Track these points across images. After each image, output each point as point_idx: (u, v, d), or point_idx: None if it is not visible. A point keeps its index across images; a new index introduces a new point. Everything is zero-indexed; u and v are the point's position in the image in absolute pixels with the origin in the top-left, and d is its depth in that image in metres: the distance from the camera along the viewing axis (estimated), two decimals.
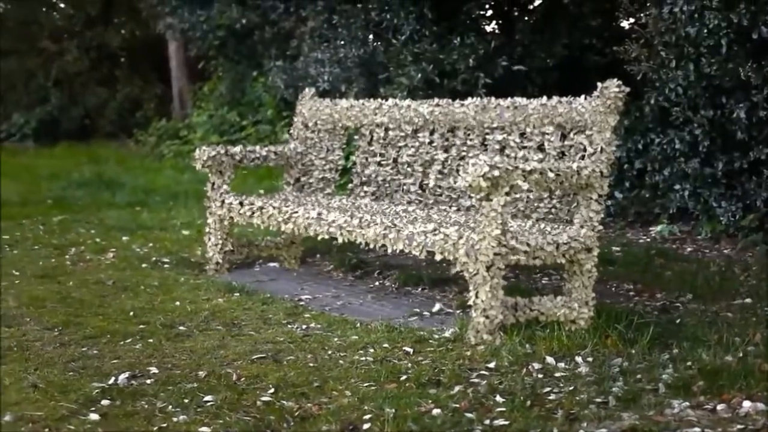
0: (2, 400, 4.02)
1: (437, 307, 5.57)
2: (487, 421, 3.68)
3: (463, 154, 6.02)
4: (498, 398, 3.92)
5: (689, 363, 4.28)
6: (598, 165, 4.92)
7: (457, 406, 3.85)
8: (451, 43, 9.39)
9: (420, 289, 6.19)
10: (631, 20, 9.04)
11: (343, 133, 7.05)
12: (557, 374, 4.23)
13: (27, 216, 9.52)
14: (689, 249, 7.41)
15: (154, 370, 4.42)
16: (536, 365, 4.33)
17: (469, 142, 6.01)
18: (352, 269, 6.75)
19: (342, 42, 10.28)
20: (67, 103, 22.05)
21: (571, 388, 4.03)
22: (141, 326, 5.21)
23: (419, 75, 9.16)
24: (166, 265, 6.99)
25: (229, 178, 6.71)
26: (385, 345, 4.75)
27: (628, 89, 5.09)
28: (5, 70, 22.52)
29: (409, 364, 4.42)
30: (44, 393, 4.10)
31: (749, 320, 5.12)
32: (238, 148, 6.81)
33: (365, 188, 6.70)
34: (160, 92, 21.82)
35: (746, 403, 3.76)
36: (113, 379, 4.28)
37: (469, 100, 6.05)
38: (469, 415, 3.74)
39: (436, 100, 6.31)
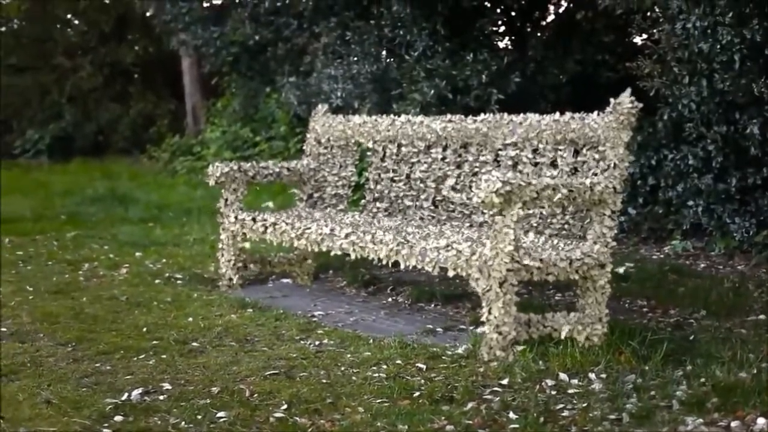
0: (16, 416, 4.03)
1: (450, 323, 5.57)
2: None
3: (476, 170, 6.03)
4: (511, 415, 3.92)
5: (703, 380, 4.27)
6: (611, 181, 4.92)
7: (470, 422, 3.85)
8: (464, 59, 9.40)
9: (433, 305, 6.19)
10: (644, 36, 9.04)
11: (356, 149, 7.06)
12: (570, 391, 4.22)
13: (41, 232, 9.55)
14: (703, 265, 7.39)
15: (167, 386, 4.42)
16: (549, 382, 4.33)
17: (481, 158, 6.01)
18: (365, 285, 6.75)
19: (355, 58, 10.30)
20: (80, 119, 22.12)
21: (585, 404, 4.02)
22: (154, 342, 5.21)
23: (432, 91, 9.17)
24: (179, 281, 7.00)
25: (242, 194, 6.73)
26: (398, 361, 4.75)
27: (640, 105, 5.08)
28: (20, 86, 22.60)
29: (422, 381, 4.42)
30: (57, 409, 4.11)
31: (763, 336, 5.10)
32: (250, 165, 6.82)
33: (378, 204, 6.70)
34: (173, 108, 21.87)
35: (760, 420, 3.75)
36: (126, 395, 4.29)
37: (482, 116, 6.06)
38: (482, 431, 3.74)
39: (449, 116, 6.32)
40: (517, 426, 3.79)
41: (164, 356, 4.93)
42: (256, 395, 4.26)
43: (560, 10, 11.12)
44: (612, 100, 5.09)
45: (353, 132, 6.92)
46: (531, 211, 5.39)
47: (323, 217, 6.45)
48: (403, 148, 6.57)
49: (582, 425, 3.78)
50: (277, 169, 6.95)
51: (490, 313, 4.68)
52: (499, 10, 10.55)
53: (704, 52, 7.25)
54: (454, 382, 4.37)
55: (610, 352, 4.66)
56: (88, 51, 22.91)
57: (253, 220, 6.52)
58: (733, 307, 5.86)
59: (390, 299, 6.40)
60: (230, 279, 6.74)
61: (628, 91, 5.12)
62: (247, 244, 6.57)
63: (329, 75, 10.46)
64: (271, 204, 9.16)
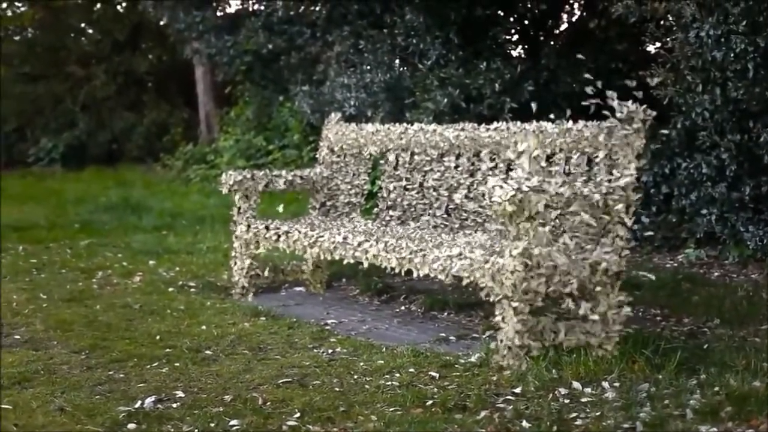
0: (30, 424, 4.04)
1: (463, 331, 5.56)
2: None
3: (489, 178, 6.01)
4: (524, 423, 3.91)
5: (717, 388, 4.25)
6: (625, 189, 4.91)
7: (483, 431, 3.84)
8: (477, 67, 9.40)
9: (446, 313, 6.18)
10: (657, 45, 9.03)
11: (368, 158, 7.06)
12: (584, 399, 4.21)
13: (54, 240, 9.58)
14: (716, 274, 7.37)
15: (180, 393, 4.43)
16: (562, 390, 4.32)
17: (494, 166, 6.00)
18: (377, 294, 6.75)
19: (368, 67, 10.30)
20: (94, 127, 22.19)
21: (598, 413, 4.01)
22: (167, 350, 5.22)
23: (445, 100, 9.17)
24: (192, 289, 7.00)
25: (255, 202, 6.73)
26: (411, 370, 4.74)
27: (654, 113, 5.08)
28: (33, 94, 22.69)
29: (435, 389, 4.42)
30: (71, 416, 4.12)
31: None
32: (264, 173, 6.83)
33: (391, 212, 6.70)
34: (186, 117, 21.93)
35: None
36: (140, 402, 4.30)
37: (495, 124, 6.06)
38: None
39: (462, 124, 6.32)
40: None
41: (177, 364, 4.94)
42: (269, 403, 4.26)
43: (573, 19, 11.12)
44: (625, 108, 5.07)
45: (366, 140, 6.92)
46: (543, 220, 5.38)
47: (336, 226, 6.45)
48: (416, 157, 6.57)
49: None
50: (290, 178, 6.95)
51: (503, 321, 4.67)
52: (512, 19, 10.56)
53: (718, 61, 7.24)
54: (467, 391, 4.37)
55: (623, 361, 4.65)
56: (101, 60, 22.99)
57: (266, 228, 6.53)
58: (747, 315, 5.84)
59: (403, 308, 6.40)
60: (243, 287, 6.74)
61: (610, 92, 5.13)
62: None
63: (342, 84, 10.47)
64: (281, 208, 9.10)
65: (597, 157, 5.29)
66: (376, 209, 6.87)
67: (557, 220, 5.45)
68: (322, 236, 6.02)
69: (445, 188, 6.35)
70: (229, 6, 15.31)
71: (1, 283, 7.25)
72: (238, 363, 4.96)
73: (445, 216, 6.34)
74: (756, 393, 4.14)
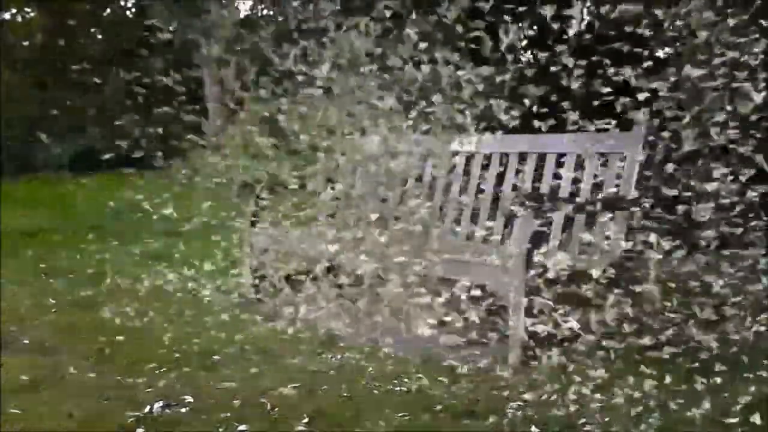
0: (38, 429, 4.04)
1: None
2: None
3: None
4: (533, 429, 3.90)
5: (726, 395, 4.24)
6: (631, 194, 4.92)
7: None
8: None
9: (454, 319, 6.16)
10: (667, 49, 9.01)
11: None
12: (593, 405, 4.20)
13: (63, 245, 9.58)
14: (726, 279, 7.33)
15: (189, 399, 4.43)
16: (572, 396, 4.31)
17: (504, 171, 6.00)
18: None
19: None
20: (103, 132, 22.20)
21: (607, 419, 4.00)
22: (176, 355, 5.21)
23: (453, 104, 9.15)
24: (202, 294, 6.99)
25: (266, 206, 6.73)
26: (420, 375, 4.73)
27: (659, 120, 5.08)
28: (42, 99, 22.72)
29: (444, 395, 4.41)
30: (79, 421, 4.12)
31: None
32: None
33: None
34: (196, 122, 21.92)
35: None
36: (148, 408, 4.29)
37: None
38: None
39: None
40: None
41: (187, 369, 4.93)
42: (277, 408, 4.26)
43: (582, 24, 11.11)
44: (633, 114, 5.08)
45: None
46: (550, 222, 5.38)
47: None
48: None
49: None
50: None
51: (513, 326, 4.66)
52: (519, 24, 10.55)
53: (727, 65, 7.22)
54: (476, 397, 4.36)
55: (633, 367, 4.64)
56: (111, 65, 23.00)
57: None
58: (758, 321, 5.82)
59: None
60: (253, 292, 6.73)
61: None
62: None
63: None
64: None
65: (606, 161, 5.29)
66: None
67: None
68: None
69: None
70: (239, 10, 15.32)
71: (2, 287, 7.25)
72: (247, 368, 4.95)
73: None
74: (766, 399, 4.13)
